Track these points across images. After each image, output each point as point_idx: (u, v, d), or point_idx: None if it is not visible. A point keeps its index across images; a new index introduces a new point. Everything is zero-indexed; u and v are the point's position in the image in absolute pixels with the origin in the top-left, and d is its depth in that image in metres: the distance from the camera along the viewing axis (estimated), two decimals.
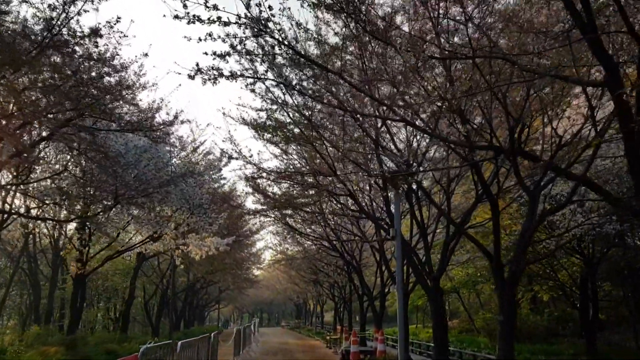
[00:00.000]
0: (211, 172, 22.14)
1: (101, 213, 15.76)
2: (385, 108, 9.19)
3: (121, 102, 14.36)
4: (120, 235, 23.51)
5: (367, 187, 16.44)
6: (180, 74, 6.83)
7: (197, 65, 6.00)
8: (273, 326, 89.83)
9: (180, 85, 15.07)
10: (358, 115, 9.91)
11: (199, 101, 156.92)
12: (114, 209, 19.89)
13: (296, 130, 11.90)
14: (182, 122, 15.22)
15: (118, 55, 11.78)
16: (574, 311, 30.15)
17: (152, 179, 13.75)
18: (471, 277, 41.47)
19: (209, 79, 6.05)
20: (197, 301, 55.62)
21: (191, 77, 6.03)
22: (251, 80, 7.11)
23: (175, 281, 39.96)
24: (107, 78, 11.82)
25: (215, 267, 36.48)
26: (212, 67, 5.99)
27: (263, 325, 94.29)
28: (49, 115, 13.15)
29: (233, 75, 6.30)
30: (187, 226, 20.33)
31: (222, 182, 23.29)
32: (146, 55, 12.15)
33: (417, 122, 9.34)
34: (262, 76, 7.00)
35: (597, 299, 22.23)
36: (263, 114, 12.51)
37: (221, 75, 6.10)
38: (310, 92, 7.96)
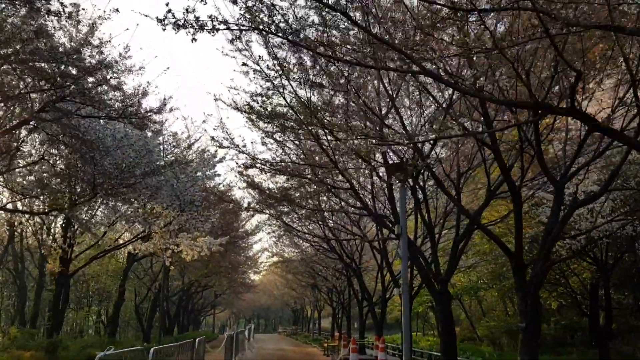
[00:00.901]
0: (204, 169, 20.98)
1: (79, 205, 14.61)
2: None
3: (105, 87, 13.32)
4: (107, 234, 22.38)
5: (369, 185, 15.35)
6: (147, 16, 5.69)
7: (167, 5, 4.91)
8: (270, 332, 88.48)
9: (168, 68, 14.00)
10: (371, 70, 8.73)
11: (191, 88, 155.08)
12: (99, 205, 18.86)
13: (291, 113, 10.82)
14: (172, 109, 14.14)
15: (97, 29, 10.69)
16: (582, 319, 28.99)
17: (133, 166, 12.60)
18: (473, 284, 40.37)
19: (184, 26, 4.96)
20: (192, 305, 54.28)
21: (161, 22, 4.94)
22: (237, 31, 6.00)
23: (168, 284, 38.80)
24: (87, 53, 10.70)
25: (210, 270, 35.29)
26: (187, 10, 4.89)
27: (260, 331, 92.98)
28: (27, 97, 12.13)
29: (214, 27, 5.20)
30: (178, 224, 19.21)
31: (217, 179, 22.15)
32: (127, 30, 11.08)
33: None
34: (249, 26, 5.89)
35: (610, 306, 21.06)
36: (258, 102, 11.42)
37: (198, 22, 5.01)
38: (308, 43, 6.88)
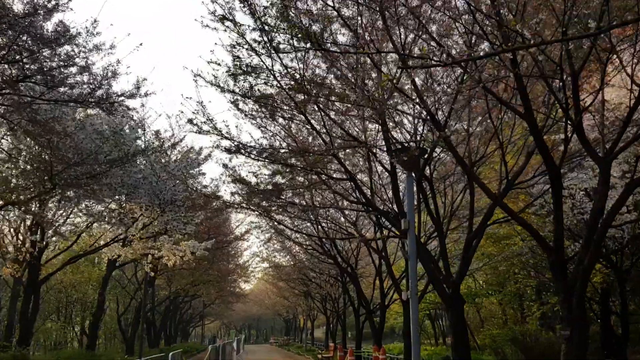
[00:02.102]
0: (188, 167, 19.35)
1: (35, 199, 12.94)
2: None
3: (72, 70, 11.77)
4: (82, 238, 20.66)
5: (367, 177, 13.81)
6: None
7: None
8: (261, 343, 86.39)
9: (141, 44, 12.42)
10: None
11: (168, 68, 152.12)
12: (70, 205, 17.20)
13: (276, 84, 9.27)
14: (147, 93, 12.53)
15: None
16: (593, 329, 27.55)
17: (97, 152, 10.95)
18: (470, 290, 38.84)
19: None
20: (180, 316, 52.32)
21: None
22: None
23: (153, 293, 36.96)
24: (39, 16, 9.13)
25: (196, 279, 33.52)
26: None
27: (251, 342, 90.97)
28: None
29: None
30: (158, 227, 17.56)
31: (202, 179, 20.47)
32: None
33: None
34: None
35: (627, 312, 19.59)
36: (241, 78, 9.86)
37: None
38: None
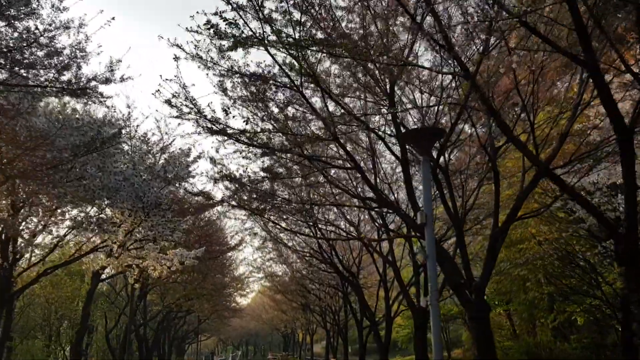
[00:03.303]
0: (176, 169, 17.82)
1: None
2: None
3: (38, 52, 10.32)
4: (61, 250, 19.05)
5: (372, 166, 12.33)
6: None
7: None
8: (259, 359, 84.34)
9: (113, 18, 10.93)
10: None
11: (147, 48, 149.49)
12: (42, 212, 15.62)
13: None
14: (124, 78, 11.07)
15: None
16: (607, 337, 25.96)
17: (54, 136, 9.39)
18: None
19: None
20: (175, 332, 50.35)
21: None
22: None
23: (145, 308, 35.19)
24: None
25: (188, 293, 31.82)
26: None
27: (248, 359, 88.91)
28: None
29: None
30: (142, 233, 16.00)
31: (191, 180, 18.86)
32: None
33: None
34: None
35: None
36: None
37: None
38: None
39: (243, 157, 9.91)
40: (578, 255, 18.37)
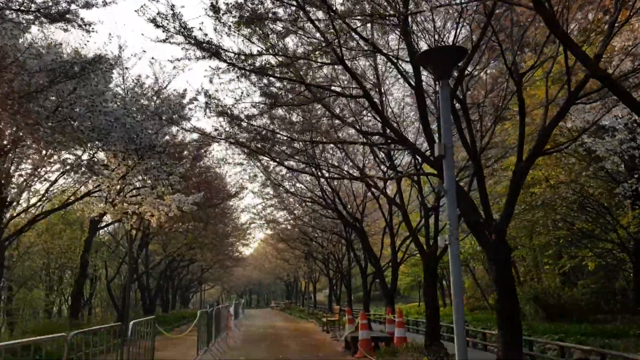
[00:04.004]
0: (172, 110, 16.86)
1: None
2: None
3: None
4: (55, 196, 18.31)
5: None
6: None
7: None
8: (262, 307, 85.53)
9: None
10: None
11: None
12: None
13: None
14: (106, 2, 9.96)
15: None
16: (616, 283, 25.59)
17: (23, 56, 8.34)
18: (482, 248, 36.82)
19: None
20: (178, 281, 50.50)
21: None
22: None
23: (147, 257, 34.94)
24: None
25: (190, 242, 31.41)
26: None
27: (252, 307, 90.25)
28: None
29: None
30: (136, 175, 15.19)
31: (187, 124, 17.90)
32: None
33: None
34: None
35: None
36: None
37: None
38: None
39: (239, 81, 8.86)
40: (592, 197, 17.65)
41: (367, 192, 21.86)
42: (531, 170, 18.32)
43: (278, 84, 9.62)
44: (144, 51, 19.44)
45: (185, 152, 22.84)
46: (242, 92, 9.12)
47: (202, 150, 23.62)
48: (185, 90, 18.13)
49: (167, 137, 15.32)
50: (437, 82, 12.05)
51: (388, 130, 10.50)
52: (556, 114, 7.89)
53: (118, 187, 15.62)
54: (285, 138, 11.87)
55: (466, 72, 9.62)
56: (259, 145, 11.66)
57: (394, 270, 17.89)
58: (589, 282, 25.56)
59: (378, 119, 10.91)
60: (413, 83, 8.80)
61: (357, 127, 11.01)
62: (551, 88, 10.69)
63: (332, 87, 9.92)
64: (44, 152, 14.85)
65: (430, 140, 8.92)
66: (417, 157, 14.75)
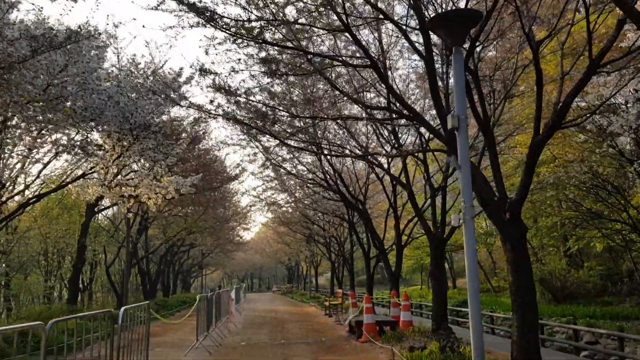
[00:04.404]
0: (168, 89, 16.28)
1: None
2: None
3: None
4: (49, 179, 17.82)
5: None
6: None
7: None
8: (264, 291, 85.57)
9: None
10: None
11: None
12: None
13: None
14: None
15: None
16: (623, 265, 25.23)
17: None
18: (485, 230, 36.64)
19: None
20: (179, 266, 50.21)
21: None
22: None
23: (147, 241, 34.57)
24: None
25: (189, 226, 30.97)
26: None
27: (253, 291, 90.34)
28: None
29: None
30: (131, 157, 14.66)
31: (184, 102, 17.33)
32: None
33: None
34: None
35: None
36: None
37: None
38: None
39: (236, 52, 8.30)
40: (602, 176, 17.16)
41: (370, 174, 21.33)
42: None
43: (279, 56, 9.04)
44: (134, 19, 18.85)
45: (184, 135, 22.33)
46: (239, 60, 8.49)
47: (201, 131, 23.10)
48: (181, 68, 17.55)
49: (164, 117, 14.70)
50: (446, 55, 11.50)
51: (395, 106, 9.95)
52: (577, 83, 7.35)
53: (115, 169, 15.13)
54: (285, 115, 11.33)
55: (477, 42, 9.06)
56: (259, 122, 11.10)
57: (399, 253, 17.43)
58: (594, 265, 25.21)
59: (384, 93, 10.33)
60: (423, 52, 8.22)
61: (361, 101, 10.44)
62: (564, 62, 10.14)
63: (336, 56, 9.30)
64: (35, 132, 14.31)
65: (440, 114, 8.37)
66: (424, 134, 14.23)
